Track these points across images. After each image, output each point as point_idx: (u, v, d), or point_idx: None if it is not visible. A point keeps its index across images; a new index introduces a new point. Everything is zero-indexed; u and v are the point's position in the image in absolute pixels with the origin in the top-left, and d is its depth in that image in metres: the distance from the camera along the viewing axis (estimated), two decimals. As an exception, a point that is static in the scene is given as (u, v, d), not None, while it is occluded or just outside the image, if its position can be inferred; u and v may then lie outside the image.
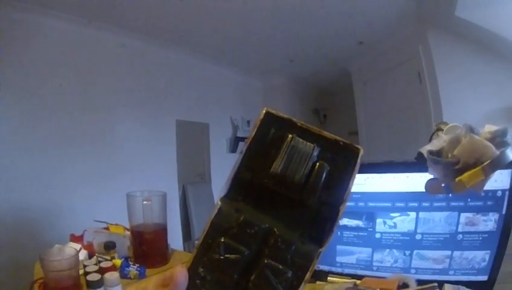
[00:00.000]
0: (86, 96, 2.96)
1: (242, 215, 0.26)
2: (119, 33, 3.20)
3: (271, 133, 0.27)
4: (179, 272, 0.25)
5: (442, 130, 0.70)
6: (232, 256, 0.25)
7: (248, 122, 4.68)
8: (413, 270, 0.94)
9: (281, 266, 0.25)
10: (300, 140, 0.26)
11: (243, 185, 0.27)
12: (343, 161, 0.27)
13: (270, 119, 0.28)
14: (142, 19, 3.02)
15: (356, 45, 3.84)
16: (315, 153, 0.26)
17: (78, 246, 1.23)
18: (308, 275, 0.25)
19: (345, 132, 4.85)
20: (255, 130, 0.27)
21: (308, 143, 0.26)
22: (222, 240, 0.26)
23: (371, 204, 0.98)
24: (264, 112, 0.28)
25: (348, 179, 0.26)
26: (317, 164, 0.26)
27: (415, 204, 0.92)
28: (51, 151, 2.69)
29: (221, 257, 0.25)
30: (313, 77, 5.15)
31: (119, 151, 3.19)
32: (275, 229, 0.26)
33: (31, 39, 2.63)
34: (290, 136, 0.26)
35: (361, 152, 0.27)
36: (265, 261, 0.25)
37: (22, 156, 2.52)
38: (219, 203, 0.27)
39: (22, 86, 2.56)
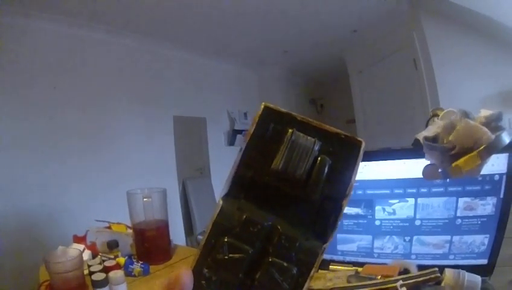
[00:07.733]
0: (81, 97, 2.94)
1: (244, 213, 0.26)
2: (113, 32, 3.17)
3: (270, 128, 0.26)
4: (184, 274, 0.24)
5: (438, 115, 0.70)
6: (236, 255, 0.25)
7: (245, 114, 4.67)
8: (413, 256, 0.95)
9: (285, 264, 0.25)
10: (301, 134, 0.26)
11: (244, 183, 0.27)
12: (345, 154, 0.26)
13: (269, 114, 0.27)
14: (135, 16, 2.99)
15: (350, 34, 3.81)
16: (316, 148, 0.25)
17: (81, 246, 1.25)
18: (313, 272, 0.25)
19: (342, 120, 4.86)
20: (254, 126, 0.27)
21: (309, 137, 0.26)
22: (225, 239, 0.25)
23: (369, 192, 0.98)
24: (262, 107, 0.27)
25: (350, 172, 0.26)
26: (319, 158, 0.25)
27: (413, 190, 0.93)
28: (48, 153, 2.68)
29: (226, 257, 0.25)
30: (308, 67, 5.12)
31: (118, 150, 3.18)
32: (278, 227, 0.25)
33: (22, 42, 2.60)
34: (290, 130, 0.26)
35: (363, 145, 0.26)
36: (270, 259, 0.25)
37: (19, 160, 2.51)
38: (220, 202, 0.26)
39: (16, 89, 2.54)
